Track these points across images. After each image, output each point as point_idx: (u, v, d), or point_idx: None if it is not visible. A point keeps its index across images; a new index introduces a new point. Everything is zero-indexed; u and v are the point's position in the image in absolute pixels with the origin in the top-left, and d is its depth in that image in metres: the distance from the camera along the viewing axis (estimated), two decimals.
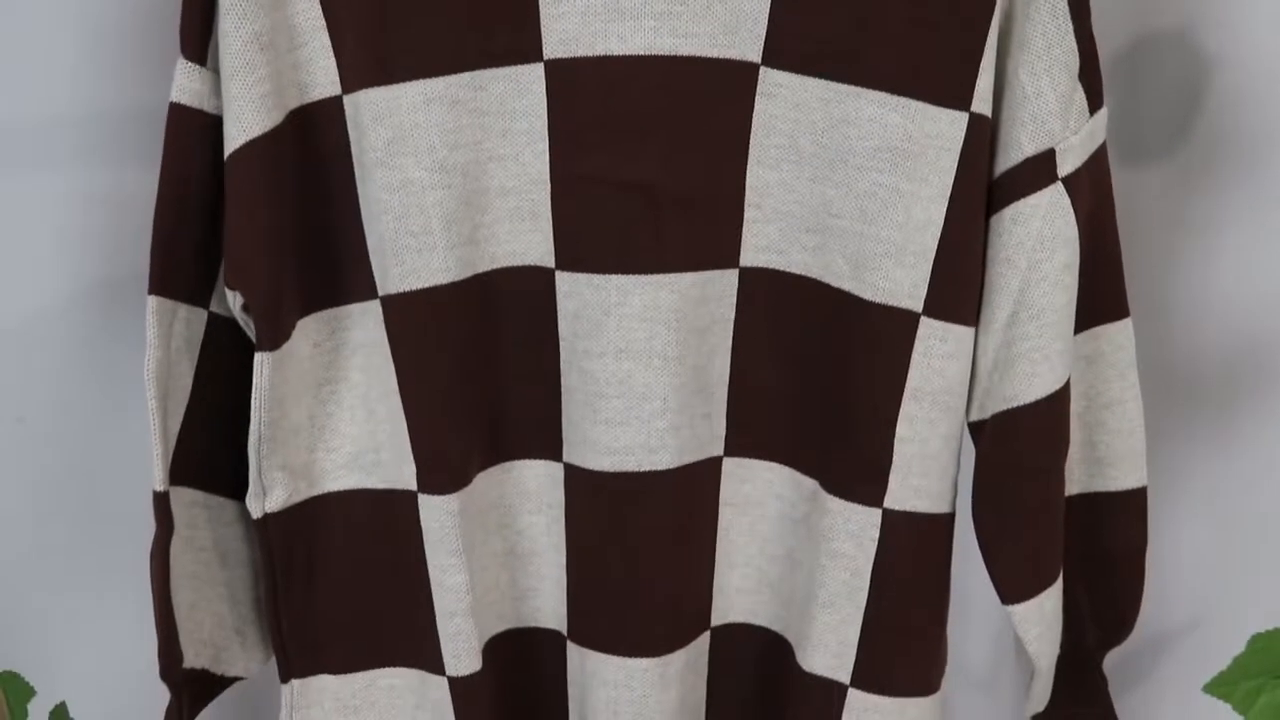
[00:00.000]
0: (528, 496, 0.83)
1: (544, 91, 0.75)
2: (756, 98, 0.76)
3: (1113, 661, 1.19)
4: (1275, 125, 1.11)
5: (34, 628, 1.07)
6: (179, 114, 0.76)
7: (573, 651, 0.85)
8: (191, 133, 0.76)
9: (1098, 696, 0.93)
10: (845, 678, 0.83)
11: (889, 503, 0.80)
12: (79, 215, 1.06)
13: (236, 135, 0.74)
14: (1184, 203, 1.14)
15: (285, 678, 0.85)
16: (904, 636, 0.83)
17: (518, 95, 0.76)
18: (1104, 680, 0.94)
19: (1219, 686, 1.01)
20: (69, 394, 1.10)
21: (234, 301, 0.77)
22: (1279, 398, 1.17)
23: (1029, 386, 0.78)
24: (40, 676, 1.00)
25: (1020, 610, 0.81)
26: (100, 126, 1.04)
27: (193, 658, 0.84)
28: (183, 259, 0.78)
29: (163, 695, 0.89)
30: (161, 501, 0.79)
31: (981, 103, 0.75)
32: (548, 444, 0.82)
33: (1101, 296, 0.82)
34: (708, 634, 0.87)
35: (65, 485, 1.12)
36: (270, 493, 0.80)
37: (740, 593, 0.86)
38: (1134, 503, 0.87)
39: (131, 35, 0.99)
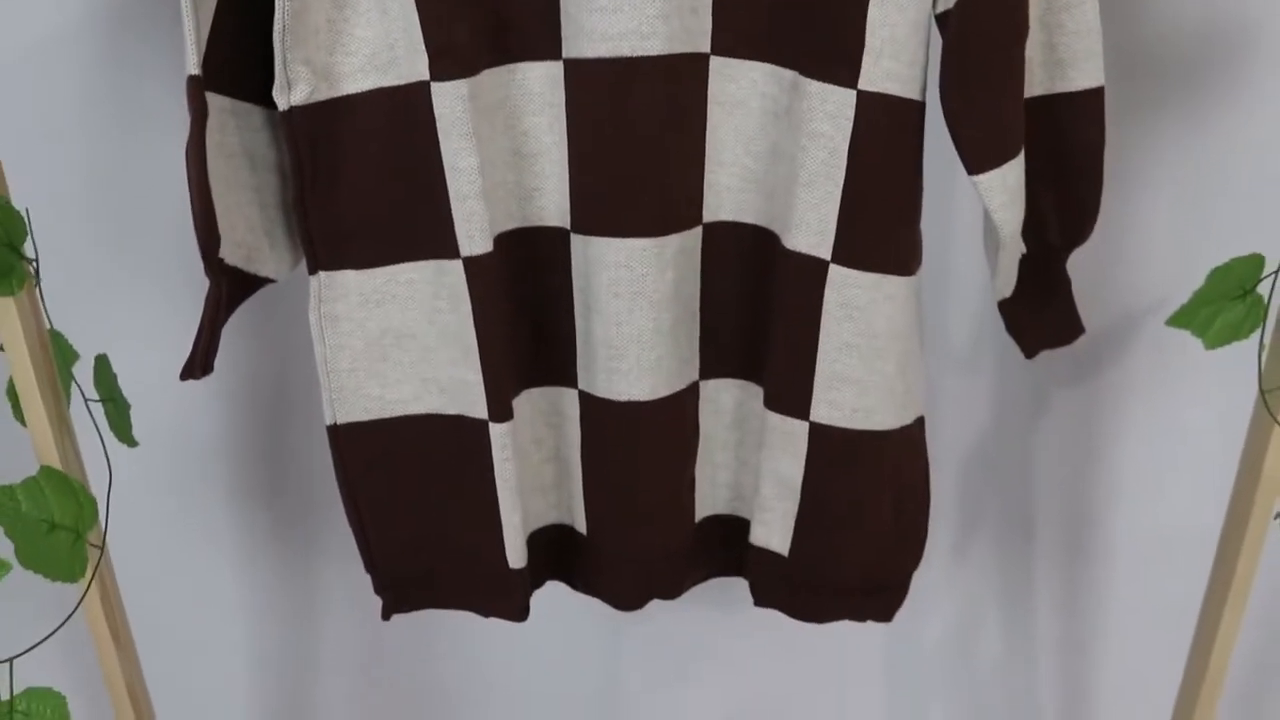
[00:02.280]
0: (531, 97, 0.90)
1: None
2: None
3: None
4: None
5: (77, 299, 1.15)
6: None
7: (576, 241, 0.92)
8: None
9: (1061, 295, 1.01)
10: (826, 254, 0.90)
11: (863, 84, 0.87)
12: None
13: None
14: None
15: (313, 269, 0.92)
16: (879, 217, 0.90)
17: None
18: (1068, 280, 1.01)
19: (1180, 318, 1.08)
20: (93, 110, 1.17)
21: None
22: (1245, 78, 1.22)
23: None
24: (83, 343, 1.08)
25: (985, 180, 0.88)
26: None
27: (227, 255, 0.92)
28: None
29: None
30: (195, 85, 0.85)
31: None
32: (547, 43, 0.88)
33: None
34: (700, 228, 0.94)
35: (95, 183, 1.20)
36: (294, 86, 0.87)
37: (729, 190, 0.93)
38: (1092, 102, 0.93)
39: None
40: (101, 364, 1.06)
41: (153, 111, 1.15)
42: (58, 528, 0.97)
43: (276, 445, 1.29)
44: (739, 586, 1.08)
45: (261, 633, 1.42)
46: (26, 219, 0.96)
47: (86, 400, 1.04)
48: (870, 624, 1.41)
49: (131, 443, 1.06)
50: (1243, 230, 1.24)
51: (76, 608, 1.00)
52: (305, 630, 1.43)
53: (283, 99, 0.87)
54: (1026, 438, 1.40)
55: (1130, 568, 1.42)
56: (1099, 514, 1.41)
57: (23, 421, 1.02)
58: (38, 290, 1.01)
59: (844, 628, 1.40)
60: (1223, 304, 1.08)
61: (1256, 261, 1.04)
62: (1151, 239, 1.28)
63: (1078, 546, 1.43)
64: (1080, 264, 1.26)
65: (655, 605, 1.14)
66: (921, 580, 1.44)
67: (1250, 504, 1.08)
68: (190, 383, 0.99)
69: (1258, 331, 1.04)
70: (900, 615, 1.36)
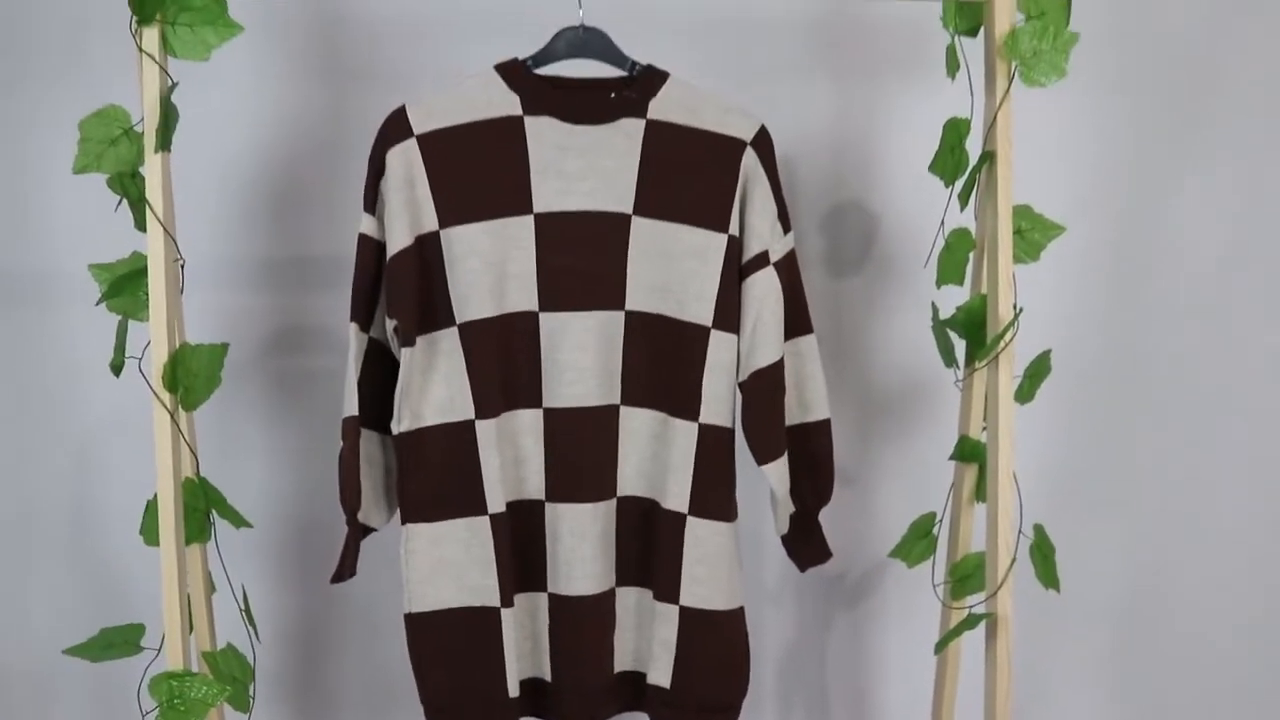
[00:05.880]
0: (524, 427, 1.65)
1: (533, 229, 1.63)
2: (631, 231, 1.64)
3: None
4: (917, 251, 1.96)
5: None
6: (364, 240, 1.61)
7: (549, 508, 1.65)
8: (369, 249, 1.62)
9: (817, 536, 1.77)
10: (685, 510, 1.65)
11: (701, 419, 1.64)
12: (232, 325, 1.91)
13: (392, 248, 1.60)
14: (874, 297, 2.01)
15: (404, 522, 1.65)
16: (713, 490, 1.64)
17: (522, 229, 1.63)
18: (819, 526, 1.77)
19: (896, 551, 1.85)
20: (272, 431, 1.92)
21: (390, 326, 1.61)
22: (940, 408, 2.01)
23: (763, 358, 1.63)
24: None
25: (766, 468, 1.65)
26: (239, 268, 1.90)
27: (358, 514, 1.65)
28: (362, 308, 1.62)
29: None
30: (352, 420, 1.60)
31: (734, 229, 1.64)
32: (534, 399, 1.64)
33: (798, 322, 1.69)
34: (615, 500, 1.68)
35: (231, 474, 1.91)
36: (401, 422, 1.62)
37: (630, 477, 1.67)
38: (824, 427, 1.72)
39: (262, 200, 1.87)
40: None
41: (301, 440, 1.90)
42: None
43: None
44: None
45: None
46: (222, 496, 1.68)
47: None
48: None
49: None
50: (936, 499, 1.96)
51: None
52: None
53: (395, 428, 1.63)
54: (821, 646, 2.10)
55: None
56: (874, 694, 2.11)
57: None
58: (214, 545, 1.71)
59: None
60: (916, 542, 1.86)
61: (931, 516, 1.83)
62: (890, 509, 2.05)
63: (860, 718, 2.12)
64: (842, 527, 2.01)
65: None
66: None
67: (944, 682, 1.83)
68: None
69: (931, 557, 1.82)
70: None
